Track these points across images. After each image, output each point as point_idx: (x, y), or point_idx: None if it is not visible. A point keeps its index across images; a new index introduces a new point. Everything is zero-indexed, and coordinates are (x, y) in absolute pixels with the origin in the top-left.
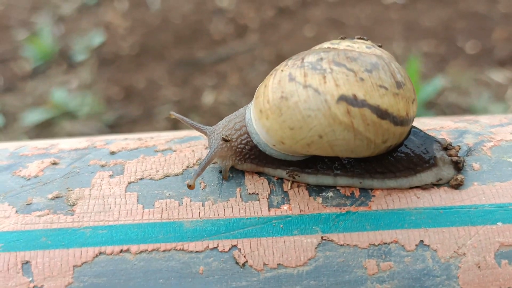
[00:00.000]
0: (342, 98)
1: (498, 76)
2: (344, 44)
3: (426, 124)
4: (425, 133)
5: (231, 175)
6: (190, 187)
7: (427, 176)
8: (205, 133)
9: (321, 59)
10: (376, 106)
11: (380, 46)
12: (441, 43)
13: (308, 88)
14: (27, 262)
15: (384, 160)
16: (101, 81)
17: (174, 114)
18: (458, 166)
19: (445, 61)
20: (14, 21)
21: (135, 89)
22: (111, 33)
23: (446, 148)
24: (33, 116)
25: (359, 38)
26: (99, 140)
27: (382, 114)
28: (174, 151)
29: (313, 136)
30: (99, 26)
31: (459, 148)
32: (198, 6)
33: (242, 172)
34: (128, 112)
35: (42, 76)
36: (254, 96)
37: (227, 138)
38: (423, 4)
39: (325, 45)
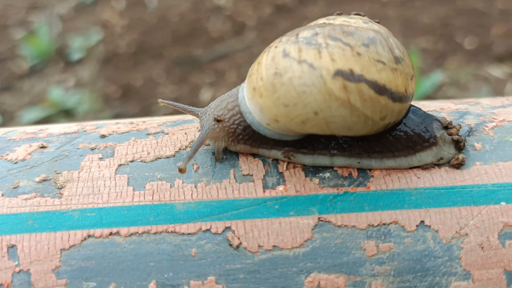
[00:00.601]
0: (338, 73)
1: (496, 71)
2: (340, 20)
3: (426, 106)
4: (424, 112)
5: (224, 156)
6: (181, 171)
7: (426, 156)
8: (197, 115)
9: (316, 34)
10: (373, 82)
11: (377, 22)
12: (440, 39)
13: (303, 64)
14: (12, 246)
15: (382, 139)
16: (98, 80)
17: (162, 101)
18: (459, 146)
19: (444, 57)
20: (12, 20)
21: (133, 87)
22: (109, 31)
23: (447, 127)
24: (31, 115)
25: (356, 14)
26: (90, 125)
27: (380, 89)
28: (166, 134)
29: (308, 113)
30: (97, 24)
31: (460, 127)
32: (195, 4)
33: (236, 154)
34: (126, 110)
35: (39, 74)
36: (247, 74)
37: (219, 118)
38: (421, 1)
39: (321, 21)
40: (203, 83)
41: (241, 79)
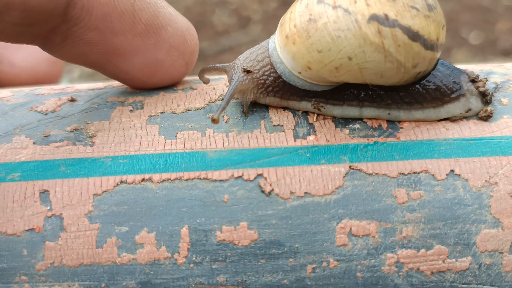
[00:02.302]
0: (373, 18)
1: None
2: None
3: None
4: (452, 64)
5: (254, 109)
6: (214, 121)
7: (454, 107)
8: (225, 70)
9: None
10: (407, 27)
11: None
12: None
13: (338, 9)
14: (45, 191)
15: (411, 90)
16: None
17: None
18: (486, 99)
19: (449, 51)
20: None
21: None
22: None
23: (474, 80)
24: None
25: None
26: (117, 83)
27: (413, 35)
28: (195, 89)
29: (342, 58)
30: None
31: (487, 80)
32: None
33: (266, 106)
34: None
35: None
36: (279, 24)
37: (249, 69)
38: None
39: None
40: (208, 76)
41: None
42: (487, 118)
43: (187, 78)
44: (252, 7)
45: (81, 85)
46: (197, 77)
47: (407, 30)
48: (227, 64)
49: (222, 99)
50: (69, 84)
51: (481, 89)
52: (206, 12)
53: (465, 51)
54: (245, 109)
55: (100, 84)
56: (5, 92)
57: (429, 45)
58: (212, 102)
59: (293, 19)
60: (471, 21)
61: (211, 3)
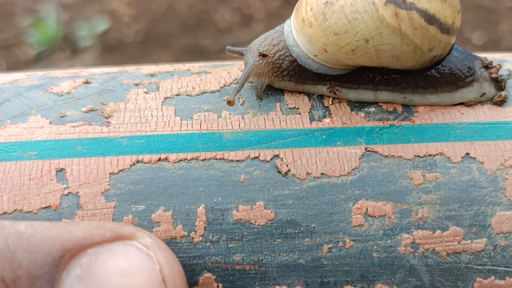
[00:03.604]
0: (390, 0)
1: None
2: None
3: None
4: (465, 50)
5: (269, 92)
6: (230, 103)
7: (468, 92)
8: (241, 54)
9: None
10: (424, 10)
11: None
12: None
13: None
14: (61, 170)
15: (426, 74)
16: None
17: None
18: (499, 85)
19: None
20: (19, 8)
21: None
22: (116, 20)
23: (487, 66)
24: None
25: None
26: (130, 67)
27: (430, 18)
28: (209, 73)
29: (359, 40)
30: (104, 13)
31: (500, 67)
32: None
33: (281, 90)
34: None
35: (45, 61)
36: (295, 8)
37: (264, 53)
38: None
39: None
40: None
41: None
42: (501, 103)
43: (200, 63)
44: (255, 5)
45: (95, 69)
46: (210, 63)
47: (423, 13)
48: (243, 48)
49: (237, 83)
50: (83, 68)
51: (494, 75)
52: (209, 9)
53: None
54: (260, 92)
55: (114, 69)
56: (19, 75)
57: (445, 29)
58: (227, 86)
59: (309, 2)
60: (474, 22)
61: (213, 1)
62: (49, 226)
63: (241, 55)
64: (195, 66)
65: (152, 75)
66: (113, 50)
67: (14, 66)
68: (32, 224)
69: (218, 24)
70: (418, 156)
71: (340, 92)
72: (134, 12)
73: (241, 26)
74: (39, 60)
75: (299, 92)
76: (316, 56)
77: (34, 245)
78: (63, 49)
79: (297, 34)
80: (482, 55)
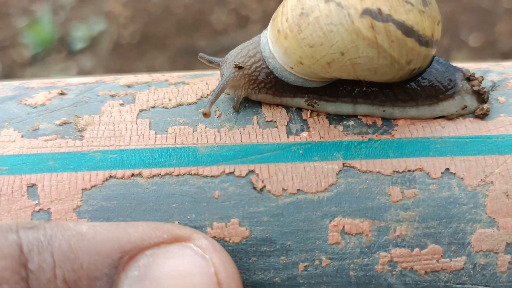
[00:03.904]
0: (366, 12)
1: None
2: None
3: None
4: (447, 61)
5: (247, 104)
6: (205, 115)
7: (449, 105)
8: (218, 65)
9: None
10: (401, 22)
11: None
12: (444, 35)
13: (330, 3)
14: (33, 185)
15: (406, 87)
16: (101, 69)
17: (202, 56)
18: (482, 98)
19: (449, 53)
20: (14, 9)
21: None
22: (112, 21)
23: (469, 78)
24: None
25: None
26: (108, 77)
27: (407, 31)
28: (187, 84)
29: (334, 53)
30: (100, 14)
31: (482, 79)
32: None
33: (259, 102)
34: None
35: (41, 63)
36: (271, 19)
37: (240, 65)
38: None
39: None
40: (200, 71)
41: None
42: (483, 116)
43: (179, 73)
44: (251, 7)
45: (72, 79)
46: (189, 72)
47: (400, 25)
48: (219, 59)
49: (212, 95)
50: (60, 78)
51: (475, 88)
52: (205, 11)
53: (464, 53)
54: (236, 105)
55: (91, 78)
56: None
57: (423, 41)
58: (205, 97)
59: (285, 13)
60: (471, 23)
61: (210, 2)
62: (109, 227)
63: (217, 65)
64: (173, 76)
65: (129, 86)
66: (109, 52)
67: (10, 67)
68: (93, 225)
69: (214, 25)
70: (397, 171)
71: (318, 105)
72: (130, 13)
73: (237, 28)
74: (35, 62)
75: (277, 105)
76: (292, 68)
77: (95, 246)
78: (59, 51)
79: (273, 45)
80: (467, 65)
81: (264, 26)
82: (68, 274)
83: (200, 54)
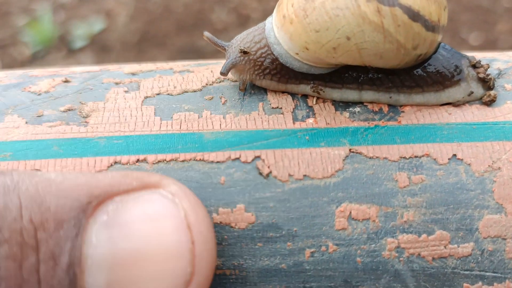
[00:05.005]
0: None
1: None
2: None
3: None
4: (453, 48)
5: (252, 91)
6: (223, 74)
7: (455, 92)
8: (224, 49)
9: None
10: (407, 6)
11: None
12: (445, 34)
13: None
14: (37, 171)
15: (412, 73)
16: None
17: (207, 35)
18: (487, 85)
19: None
20: (14, 7)
21: None
22: (112, 20)
23: (475, 65)
24: None
25: None
26: (112, 66)
27: (413, 15)
28: (192, 72)
29: (340, 37)
30: (100, 13)
31: (488, 67)
32: None
33: (264, 89)
34: None
35: (41, 61)
36: (276, 5)
37: (246, 50)
38: None
39: None
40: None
41: None
42: (490, 102)
43: (184, 62)
44: (251, 6)
45: (76, 68)
46: (194, 61)
47: (407, 10)
48: (226, 43)
49: (220, 82)
50: (63, 67)
51: (481, 75)
52: (205, 9)
53: (465, 52)
54: (241, 86)
55: (95, 67)
56: None
57: (430, 26)
58: (210, 85)
59: None
60: (471, 22)
61: (210, 1)
62: (78, 174)
63: (223, 49)
64: (178, 64)
65: (133, 74)
66: (109, 50)
67: (10, 66)
68: (62, 173)
69: (215, 24)
70: (403, 157)
71: (323, 91)
72: (130, 12)
73: (237, 26)
74: (35, 60)
75: (282, 92)
76: (297, 54)
77: (63, 191)
78: (59, 49)
79: (278, 31)
80: (473, 53)
81: None
82: (34, 215)
83: (205, 32)
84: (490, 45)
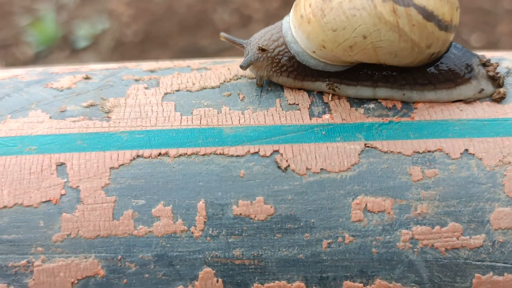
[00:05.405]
0: None
1: None
2: None
3: None
4: (463, 47)
5: (269, 88)
6: (243, 67)
7: (466, 89)
8: (242, 46)
9: None
10: (422, 7)
11: None
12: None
13: None
14: (61, 164)
15: (425, 71)
16: None
17: (223, 35)
18: (497, 83)
19: None
20: (17, 7)
21: None
22: (115, 20)
23: (485, 64)
24: None
25: None
26: (130, 63)
27: (428, 15)
28: (209, 69)
29: (356, 36)
30: (103, 13)
31: (498, 65)
32: None
33: (281, 86)
34: None
35: (44, 61)
36: (293, 4)
37: (264, 48)
38: None
39: None
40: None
41: None
42: (500, 99)
43: (200, 60)
44: (253, 6)
45: (95, 65)
46: (210, 59)
47: (421, 10)
48: (244, 40)
49: (237, 79)
50: (83, 64)
51: (491, 73)
52: (208, 10)
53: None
54: (259, 81)
55: (114, 65)
56: (19, 71)
57: (443, 26)
58: (227, 82)
59: None
60: (473, 23)
61: (212, 2)
62: None
63: (241, 46)
64: (195, 62)
65: (152, 71)
66: (111, 50)
67: (13, 65)
68: None
69: (217, 24)
70: (417, 152)
71: (339, 88)
72: (133, 12)
73: (240, 27)
74: (38, 60)
75: (298, 89)
76: (314, 52)
77: None
78: (62, 49)
79: (295, 30)
80: (481, 52)
81: (267, 25)
82: None
83: (222, 33)
84: (492, 46)
